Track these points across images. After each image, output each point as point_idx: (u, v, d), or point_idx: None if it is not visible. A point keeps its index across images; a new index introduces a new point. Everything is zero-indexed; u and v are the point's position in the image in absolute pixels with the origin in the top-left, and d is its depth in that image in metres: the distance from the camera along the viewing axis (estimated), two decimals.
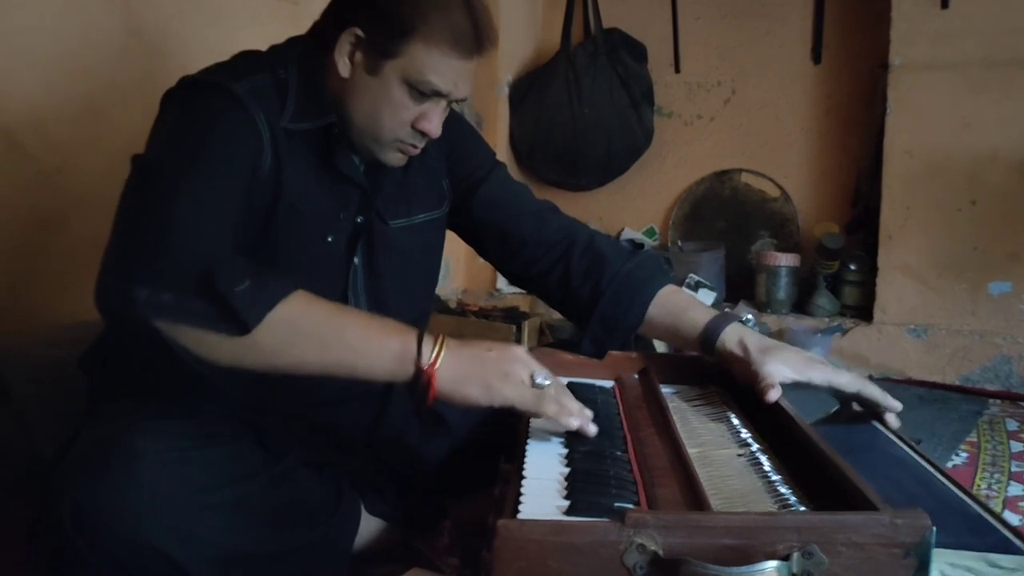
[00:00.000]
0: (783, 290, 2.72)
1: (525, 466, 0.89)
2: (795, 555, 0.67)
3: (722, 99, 3.04)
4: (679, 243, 3.05)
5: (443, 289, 3.16)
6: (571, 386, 1.20)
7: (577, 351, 1.30)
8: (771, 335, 2.63)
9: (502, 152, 3.17)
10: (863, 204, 2.67)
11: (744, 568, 0.66)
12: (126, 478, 0.91)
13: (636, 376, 1.26)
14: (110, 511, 0.90)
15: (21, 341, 1.61)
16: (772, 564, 0.67)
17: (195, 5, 1.89)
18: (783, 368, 1.10)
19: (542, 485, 0.84)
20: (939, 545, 0.69)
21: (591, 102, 3.02)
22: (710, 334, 1.19)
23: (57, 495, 0.92)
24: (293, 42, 1.21)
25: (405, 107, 1.14)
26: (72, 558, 0.92)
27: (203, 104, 1.09)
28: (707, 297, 2.78)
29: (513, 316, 2.98)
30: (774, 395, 1.05)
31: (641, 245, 3.09)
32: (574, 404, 0.99)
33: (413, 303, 1.34)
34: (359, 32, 1.12)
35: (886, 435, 1.11)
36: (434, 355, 0.98)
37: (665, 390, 1.21)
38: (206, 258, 0.94)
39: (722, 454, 0.96)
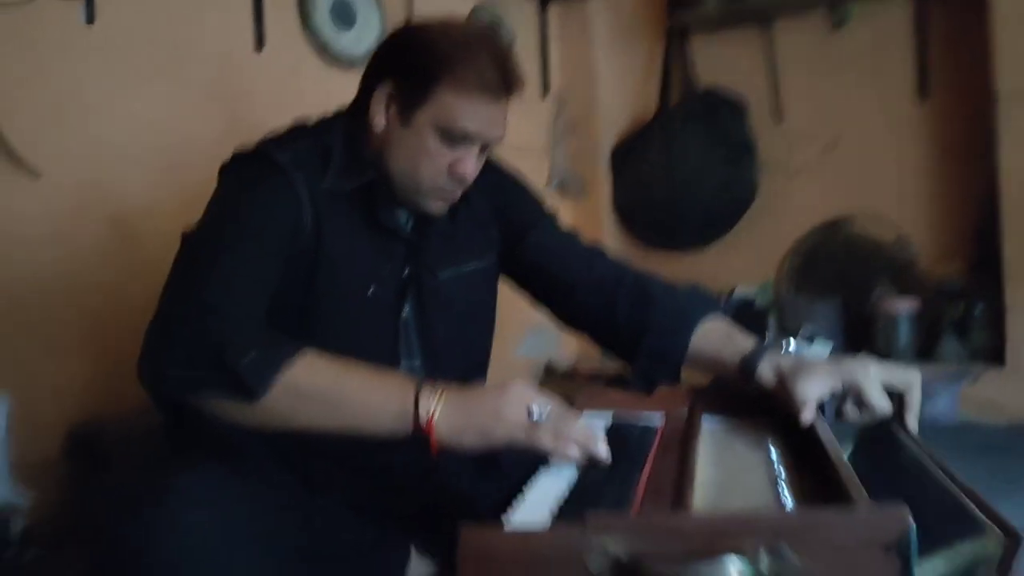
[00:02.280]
0: (904, 337, 2.57)
1: (529, 486, 0.88)
2: (761, 553, 0.63)
3: (828, 146, 2.95)
4: (791, 295, 2.94)
5: (556, 355, 3.17)
6: (615, 424, 1.18)
7: (627, 388, 1.28)
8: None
9: (605, 218, 3.20)
10: (986, 242, 2.51)
11: (700, 566, 0.62)
12: (158, 515, 0.95)
13: (685, 409, 1.23)
14: (145, 548, 0.94)
15: (123, 414, 1.73)
16: (732, 560, 0.63)
17: (294, 99, 2.04)
18: (815, 384, 1.04)
19: (536, 503, 0.83)
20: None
21: (689, 162, 3.02)
22: (749, 364, 1.15)
23: (95, 543, 0.98)
24: (340, 111, 1.29)
25: (440, 154, 1.18)
26: None
27: (246, 175, 1.19)
28: (823, 349, 2.66)
29: (623, 379, 2.94)
30: (808, 416, 1.00)
31: (751, 303, 3.00)
32: (579, 432, 0.97)
33: (467, 354, 1.36)
34: (391, 86, 1.19)
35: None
36: (432, 410, 1.00)
37: (710, 421, 1.17)
38: (226, 336, 1.01)
39: (743, 478, 0.91)
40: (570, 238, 1.41)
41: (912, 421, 1.06)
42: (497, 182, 1.40)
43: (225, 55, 2.15)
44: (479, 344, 1.42)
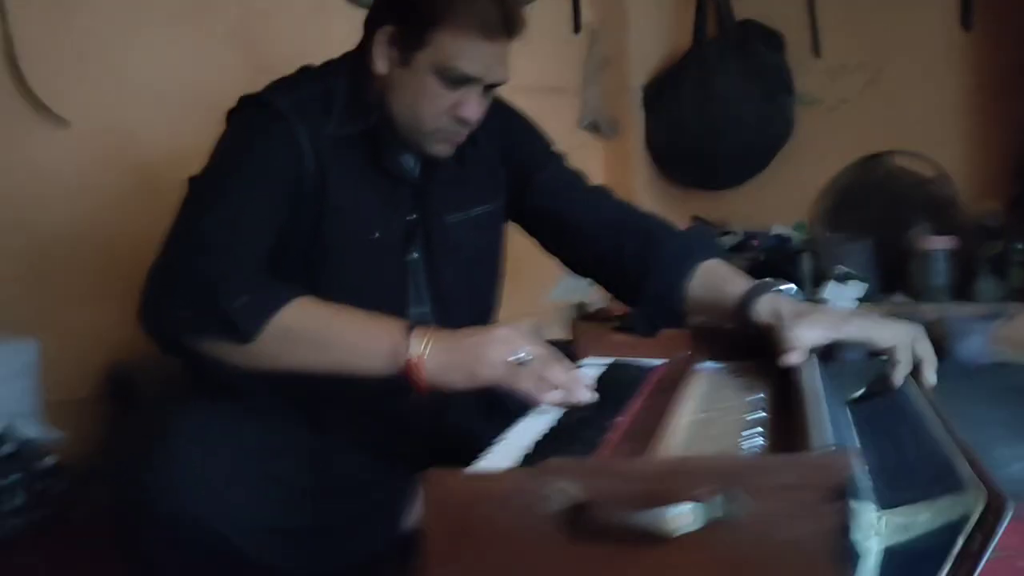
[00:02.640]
0: (940, 276, 2.52)
1: (508, 431, 0.90)
2: (718, 498, 0.64)
3: (867, 79, 2.87)
4: (826, 234, 2.89)
5: (588, 297, 3.18)
6: (615, 366, 1.20)
7: (631, 332, 1.29)
8: (928, 325, 2.44)
9: (637, 158, 3.15)
10: None
11: (653, 512, 0.64)
12: (164, 456, 1.00)
13: (688, 353, 1.23)
14: (154, 488, 0.99)
15: (154, 355, 1.80)
16: (688, 507, 0.64)
17: (319, 40, 2.05)
18: (813, 330, 1.04)
19: (510, 447, 0.85)
20: None
21: (725, 98, 2.94)
22: (745, 305, 1.14)
23: (116, 478, 1.03)
24: (346, 54, 1.30)
25: (440, 96, 1.19)
26: (134, 536, 1.03)
27: (248, 121, 1.21)
28: (856, 289, 2.62)
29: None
30: (793, 358, 1.00)
31: (788, 240, 2.96)
32: (561, 376, 0.98)
33: (475, 298, 1.39)
34: (391, 29, 1.19)
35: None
36: (420, 350, 1.01)
37: (710, 365, 1.18)
38: (220, 277, 1.04)
39: (722, 421, 0.92)
40: (577, 180, 1.42)
41: (930, 373, 1.05)
42: (505, 124, 1.40)
43: None
44: (487, 288, 1.43)
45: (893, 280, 2.68)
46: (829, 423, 0.77)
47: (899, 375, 1.04)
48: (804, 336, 1.02)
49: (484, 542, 0.68)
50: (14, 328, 1.69)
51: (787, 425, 0.82)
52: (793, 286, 1.16)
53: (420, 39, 1.17)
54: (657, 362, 1.21)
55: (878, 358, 1.10)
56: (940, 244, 2.53)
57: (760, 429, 0.84)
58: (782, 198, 3.05)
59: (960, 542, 0.68)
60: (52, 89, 1.81)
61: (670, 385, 1.08)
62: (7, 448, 1.41)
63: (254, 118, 1.20)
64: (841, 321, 1.06)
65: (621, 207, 1.37)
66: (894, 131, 2.81)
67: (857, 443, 0.89)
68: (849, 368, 1.14)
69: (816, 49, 2.94)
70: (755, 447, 0.80)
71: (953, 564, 0.67)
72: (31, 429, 1.44)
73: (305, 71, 1.30)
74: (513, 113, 1.43)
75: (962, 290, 2.53)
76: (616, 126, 3.17)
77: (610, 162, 3.23)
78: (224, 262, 1.07)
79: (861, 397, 1.10)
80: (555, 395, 0.98)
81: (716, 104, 2.96)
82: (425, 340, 1.03)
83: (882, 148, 2.83)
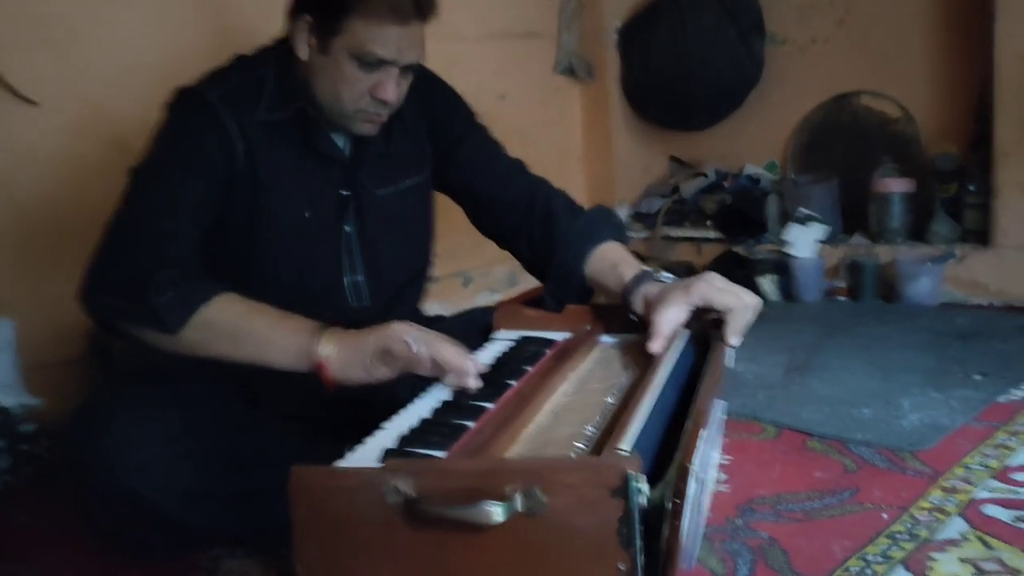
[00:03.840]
0: (896, 218, 2.58)
1: (393, 417, 1.02)
2: (517, 495, 0.76)
3: (836, 19, 2.87)
4: (791, 176, 2.95)
5: None
6: (522, 340, 1.31)
7: (542, 307, 1.39)
8: (881, 267, 2.52)
9: (614, 100, 3.20)
10: (983, 120, 2.46)
11: (467, 507, 0.76)
12: (98, 433, 1.14)
13: (588, 327, 1.34)
14: (90, 459, 1.14)
15: None
16: (494, 504, 0.76)
17: (280, 8, 2.11)
18: (670, 310, 1.13)
19: (389, 435, 0.97)
20: None
21: (698, 39, 2.97)
22: (627, 293, 1.24)
23: (60, 451, 1.18)
24: (276, 41, 1.37)
25: (357, 79, 1.26)
26: (78, 498, 1.18)
27: (179, 112, 1.30)
28: (817, 231, 2.69)
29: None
30: (654, 347, 1.10)
31: (758, 180, 3.02)
32: (454, 360, 1.08)
33: (407, 266, 1.49)
34: (309, 18, 1.27)
35: None
36: (325, 351, 1.12)
37: (607, 339, 1.29)
38: (150, 269, 1.14)
39: (589, 401, 1.03)
40: (494, 154, 1.49)
41: (731, 336, 1.15)
42: (429, 97, 1.47)
43: None
44: (419, 256, 1.53)
45: (855, 222, 2.74)
46: (641, 423, 0.88)
47: (731, 334, 1.14)
48: (664, 319, 1.13)
49: (339, 527, 0.81)
50: (3, 297, 1.83)
51: (619, 417, 0.93)
52: (669, 275, 1.25)
53: (335, 26, 1.24)
54: (561, 336, 1.32)
55: None
56: (897, 187, 2.58)
57: (599, 419, 0.96)
58: (755, 138, 3.10)
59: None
60: (21, 70, 1.90)
61: (563, 359, 1.19)
62: None
63: (186, 109, 1.29)
64: (689, 293, 1.15)
65: (531, 184, 1.44)
66: (862, 71, 2.83)
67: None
68: None
69: None
70: (587, 436, 0.91)
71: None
72: (11, 399, 1.58)
73: (239, 59, 1.37)
74: (437, 86, 1.50)
75: (918, 232, 2.59)
76: (592, 70, 3.21)
77: (587, 105, 3.28)
78: (154, 256, 1.17)
79: None
80: (448, 377, 1.08)
81: (690, 45, 2.99)
82: (331, 341, 1.13)
83: (851, 88, 2.85)
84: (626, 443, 0.83)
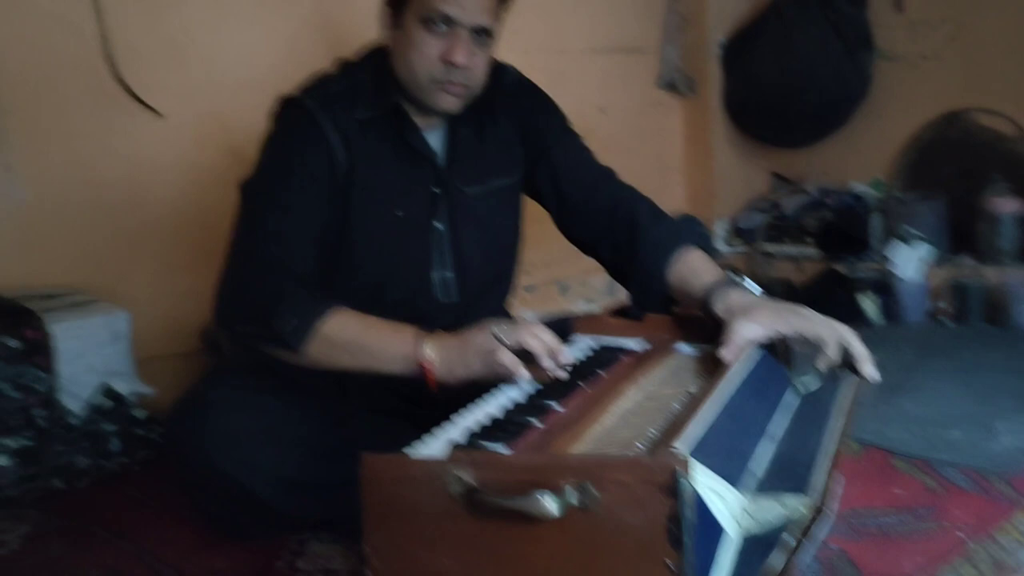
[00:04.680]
0: (1006, 239, 2.48)
1: (467, 409, 1.07)
2: (571, 490, 0.79)
3: (949, 35, 2.79)
4: (897, 194, 2.87)
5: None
6: (599, 347, 1.34)
7: (624, 316, 1.42)
8: (988, 289, 2.43)
9: (715, 116, 3.19)
10: None
11: (523, 498, 0.79)
12: (198, 422, 1.24)
13: (666, 336, 1.35)
14: (189, 447, 1.24)
15: None
16: (549, 496, 0.79)
17: None
18: (751, 326, 1.14)
19: (458, 428, 1.01)
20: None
21: (804, 54, 2.93)
22: (707, 299, 1.25)
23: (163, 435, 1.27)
24: (376, 44, 1.45)
25: (427, 44, 1.31)
26: (180, 480, 1.27)
27: (283, 123, 1.38)
28: (922, 251, 2.61)
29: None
30: (725, 354, 1.11)
31: (861, 198, 2.95)
32: (532, 341, 1.14)
33: (493, 262, 1.53)
34: (387, 1, 1.35)
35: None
36: (430, 353, 1.18)
37: (685, 349, 1.31)
38: (271, 294, 1.23)
39: (656, 406, 1.05)
40: (584, 160, 1.52)
41: (869, 369, 1.16)
42: (524, 101, 1.52)
43: None
44: (506, 256, 1.58)
45: (963, 242, 2.65)
46: (703, 426, 0.90)
47: (822, 365, 1.14)
48: (741, 332, 1.13)
49: (405, 514, 0.87)
50: (125, 293, 1.97)
51: (683, 419, 0.95)
52: (753, 284, 1.26)
53: None
54: (639, 344, 1.35)
55: None
56: (1008, 207, 2.48)
57: (663, 424, 0.98)
58: (860, 155, 3.02)
59: (785, 537, 0.81)
60: (147, 83, 2.05)
61: (637, 366, 1.22)
62: (104, 403, 1.69)
63: (288, 120, 1.37)
64: (778, 317, 1.16)
65: (618, 191, 1.47)
66: (975, 88, 2.73)
67: (761, 437, 1.01)
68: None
69: (898, 3, 2.87)
70: (649, 438, 0.94)
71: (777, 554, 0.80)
72: (125, 386, 1.71)
73: (340, 64, 1.45)
74: (532, 91, 1.54)
75: None
76: (694, 84, 3.20)
77: (688, 120, 3.28)
78: (273, 280, 1.26)
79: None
80: (522, 373, 1.13)
81: (795, 60, 2.96)
82: (433, 345, 1.19)
83: (962, 105, 2.76)
84: (681, 443, 0.85)
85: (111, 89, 2.03)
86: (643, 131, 3.18)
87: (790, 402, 1.23)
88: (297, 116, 1.36)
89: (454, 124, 1.44)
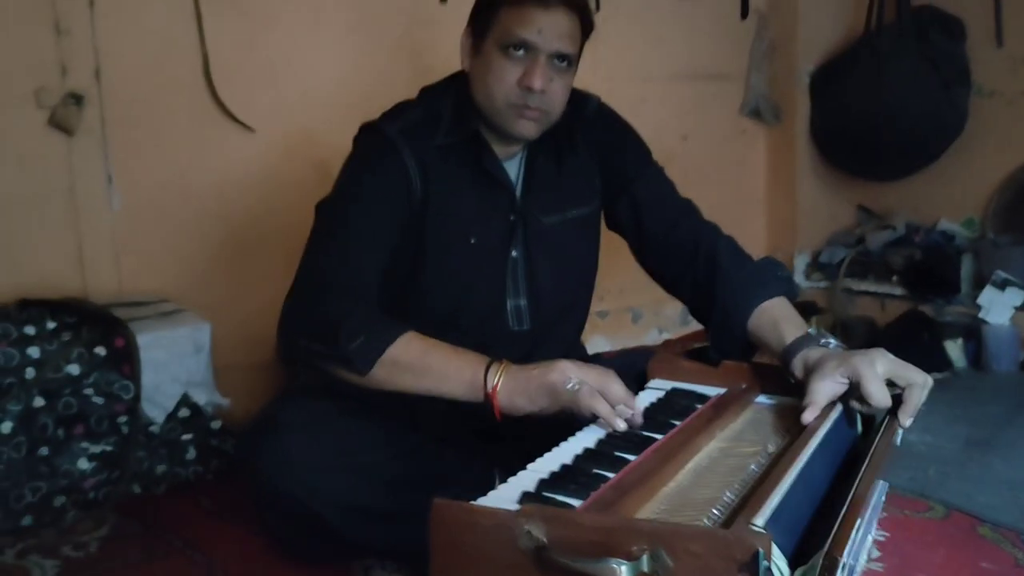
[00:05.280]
0: None
1: (541, 458, 1.06)
2: (644, 557, 0.78)
3: None
4: (991, 236, 2.77)
5: None
6: (673, 392, 1.32)
7: (699, 359, 1.39)
8: None
9: (801, 146, 3.13)
10: None
11: (595, 561, 0.78)
12: (269, 445, 1.25)
13: (744, 385, 1.33)
14: (260, 469, 1.26)
15: None
16: (621, 563, 0.78)
17: None
18: (825, 383, 1.11)
19: (531, 477, 1.01)
20: None
21: (897, 86, 2.84)
22: (787, 356, 1.22)
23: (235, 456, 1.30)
24: (458, 72, 1.45)
25: (505, 70, 1.31)
26: (250, 499, 1.30)
27: (362, 149, 1.40)
28: (1015, 297, 2.51)
29: (802, 312, 2.95)
30: (806, 416, 1.08)
31: (952, 237, 2.86)
32: (601, 407, 1.11)
33: (567, 293, 1.52)
34: (468, 28, 1.36)
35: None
36: (495, 380, 1.17)
37: (763, 400, 1.28)
38: (340, 315, 1.22)
39: (733, 465, 1.03)
40: (666, 194, 1.50)
41: (905, 417, 1.11)
42: (605, 132, 1.50)
43: (412, 9, 2.37)
44: (581, 285, 1.57)
45: None
46: (780, 497, 0.88)
47: (905, 414, 1.12)
48: (819, 390, 1.11)
49: (472, 563, 0.86)
50: (207, 302, 2.03)
51: (759, 487, 0.93)
52: (833, 340, 1.22)
53: (486, 24, 1.32)
54: (715, 391, 1.32)
55: None
56: None
57: (739, 486, 0.96)
58: (953, 192, 2.93)
59: None
60: (241, 100, 2.11)
61: (714, 417, 1.19)
62: (183, 412, 1.73)
63: (368, 147, 1.39)
64: (844, 366, 1.12)
65: (699, 229, 1.44)
66: None
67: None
68: None
69: (999, 38, 2.78)
70: (725, 503, 0.92)
71: None
72: (203, 397, 1.75)
73: (422, 92, 1.46)
74: (614, 121, 1.53)
75: None
76: (780, 113, 3.15)
77: (772, 149, 3.22)
78: (342, 301, 1.25)
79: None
80: (602, 406, 1.11)
81: (887, 92, 2.87)
82: (498, 373, 1.18)
83: None
84: (760, 518, 0.83)
85: (207, 105, 2.09)
86: (725, 160, 3.14)
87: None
88: (376, 142, 1.38)
89: (533, 153, 1.44)
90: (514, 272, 1.45)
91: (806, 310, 2.97)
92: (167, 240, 2.09)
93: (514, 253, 1.44)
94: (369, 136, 1.40)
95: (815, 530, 0.90)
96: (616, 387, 1.15)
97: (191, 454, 1.74)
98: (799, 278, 3.16)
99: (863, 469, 1.00)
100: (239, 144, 2.14)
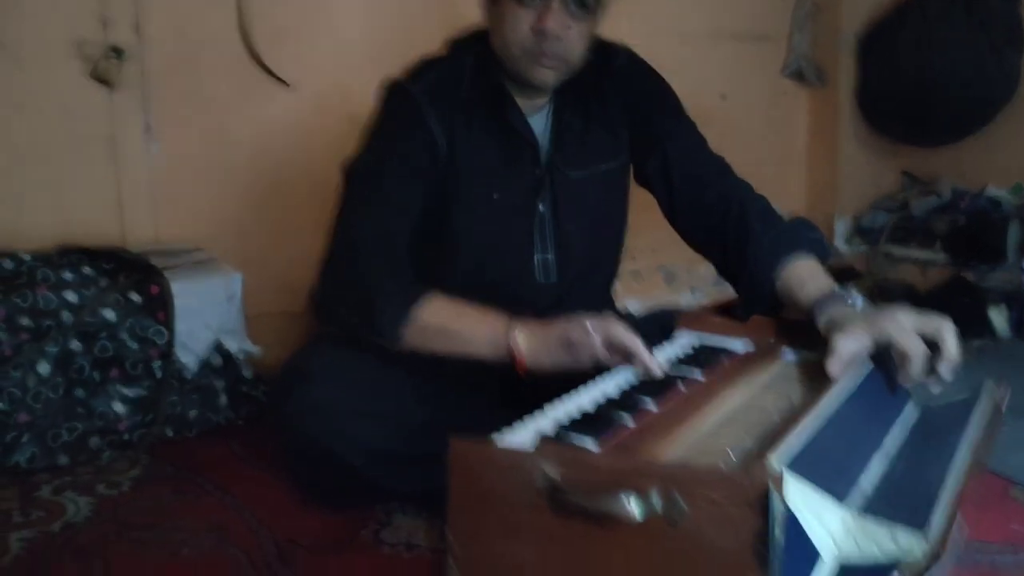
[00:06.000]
0: None
1: (559, 399, 1.06)
2: (656, 497, 0.77)
3: None
4: None
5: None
6: (702, 347, 1.31)
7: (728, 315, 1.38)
8: None
9: (845, 109, 3.06)
10: None
11: (608, 498, 0.78)
12: (298, 390, 1.27)
13: (772, 340, 1.31)
14: (289, 414, 1.28)
15: None
16: (634, 499, 0.78)
17: None
18: (851, 340, 1.10)
19: (548, 419, 1.01)
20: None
21: (946, 49, 2.77)
22: (814, 313, 1.21)
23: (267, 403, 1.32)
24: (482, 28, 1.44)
25: (518, 17, 1.29)
26: (279, 444, 1.32)
27: (387, 109, 1.40)
28: None
29: (841, 276, 2.90)
30: (830, 367, 1.07)
31: (999, 204, 2.78)
32: (628, 341, 1.12)
33: (596, 248, 1.52)
34: None
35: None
36: (518, 341, 1.19)
37: (790, 355, 1.26)
38: (371, 285, 1.26)
39: (755, 416, 1.02)
40: (697, 151, 1.47)
41: (948, 370, 1.09)
42: (636, 85, 1.48)
43: None
44: (608, 239, 1.56)
45: None
46: (801, 442, 0.87)
47: (945, 366, 1.09)
48: (843, 344, 1.09)
49: (489, 503, 0.87)
50: (242, 251, 2.06)
51: (782, 430, 0.92)
52: (860, 299, 1.20)
53: None
54: (743, 345, 1.31)
55: None
56: None
57: (760, 435, 0.95)
58: (1001, 159, 2.85)
59: None
60: (278, 54, 2.12)
61: (739, 370, 1.18)
62: (216, 359, 1.76)
63: (392, 107, 1.39)
64: (872, 327, 1.10)
65: (730, 188, 1.42)
66: None
67: (876, 452, 0.97)
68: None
69: None
70: (744, 450, 0.91)
71: None
72: (234, 344, 1.78)
73: (448, 44, 1.46)
74: (645, 73, 1.50)
75: None
76: (823, 75, 3.08)
77: (814, 111, 3.16)
78: (376, 274, 1.28)
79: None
80: (616, 359, 1.13)
81: (936, 55, 2.79)
82: (522, 332, 1.20)
83: None
84: (776, 459, 0.82)
85: (243, 59, 2.11)
86: (765, 121, 3.09)
87: (910, 416, 1.17)
88: (399, 102, 1.38)
89: (559, 107, 1.43)
90: (541, 227, 1.44)
91: (845, 275, 2.92)
92: (203, 191, 2.11)
93: (541, 208, 1.43)
94: (394, 97, 1.40)
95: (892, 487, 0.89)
96: (627, 331, 1.14)
97: (223, 400, 1.76)
98: (839, 242, 3.11)
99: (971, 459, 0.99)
100: (275, 97, 2.16)
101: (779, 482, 0.73)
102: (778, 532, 0.73)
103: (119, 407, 1.65)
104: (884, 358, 1.11)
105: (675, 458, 0.91)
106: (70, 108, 1.93)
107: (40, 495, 1.49)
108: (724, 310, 1.42)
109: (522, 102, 1.40)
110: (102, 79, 1.95)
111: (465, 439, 0.90)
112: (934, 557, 0.77)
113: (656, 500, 0.77)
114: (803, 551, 0.80)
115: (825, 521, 0.83)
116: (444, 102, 1.36)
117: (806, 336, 1.28)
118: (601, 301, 1.58)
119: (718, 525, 0.75)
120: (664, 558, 0.78)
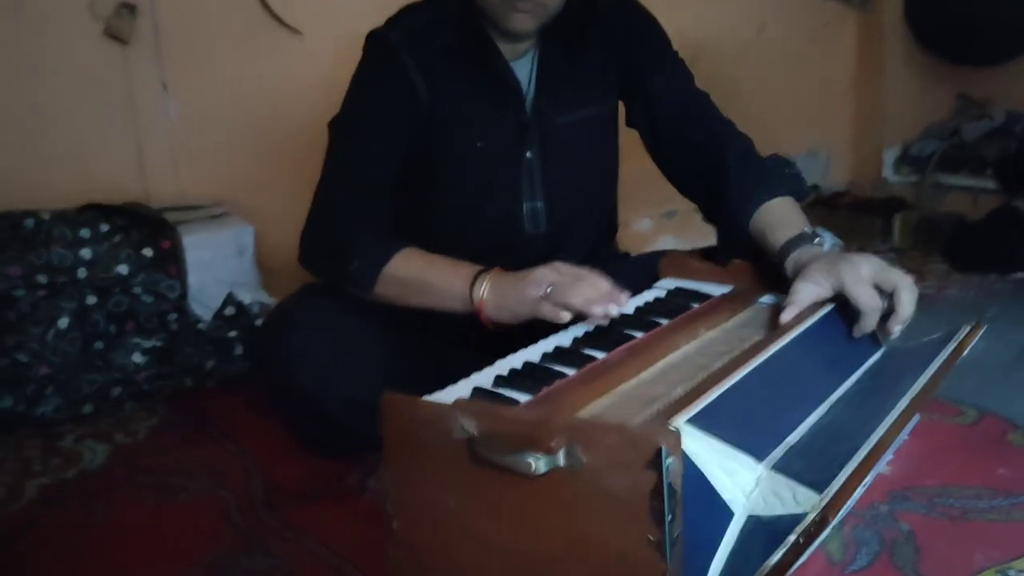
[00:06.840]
0: None
1: (510, 355, 1.07)
2: (561, 451, 0.78)
3: None
4: None
5: (825, 180, 3.08)
6: (674, 292, 1.29)
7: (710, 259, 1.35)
8: None
9: (893, 30, 2.91)
10: None
11: (514, 454, 0.79)
12: (282, 338, 1.31)
13: (748, 285, 1.28)
14: (273, 361, 1.32)
15: None
16: (537, 456, 0.78)
17: None
18: (808, 285, 1.07)
19: (490, 373, 1.02)
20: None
21: None
22: (782, 257, 1.18)
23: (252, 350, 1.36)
24: None
25: None
26: (268, 393, 1.37)
27: (367, 61, 1.39)
28: None
29: (888, 208, 2.81)
30: (785, 315, 1.05)
31: None
32: (574, 299, 1.09)
33: (585, 192, 1.49)
34: None
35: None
36: (481, 294, 1.19)
37: (767, 300, 1.23)
38: (346, 237, 1.28)
39: (699, 363, 1.01)
40: (681, 90, 1.44)
41: (895, 324, 1.06)
42: (623, 26, 1.44)
43: None
44: (599, 185, 1.53)
45: None
46: (725, 388, 0.86)
47: (895, 320, 1.07)
48: (801, 289, 1.07)
49: (417, 454, 0.89)
50: (259, 206, 2.10)
51: (704, 384, 0.91)
52: (828, 238, 1.17)
53: None
54: (721, 290, 1.29)
55: None
56: None
57: (694, 383, 0.94)
58: None
59: (793, 537, 0.76)
60: (289, 4, 2.13)
61: (705, 316, 1.17)
62: (229, 311, 1.82)
63: (372, 58, 1.38)
64: (828, 275, 1.08)
65: (711, 128, 1.38)
66: None
67: (821, 404, 0.95)
68: None
69: None
70: (672, 399, 0.90)
71: (782, 553, 0.76)
72: (247, 296, 1.83)
73: None
74: (634, 14, 1.46)
75: None
76: None
77: (863, 36, 3.02)
78: (351, 225, 1.31)
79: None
80: (563, 316, 1.11)
81: None
82: (483, 285, 1.20)
83: None
84: (683, 416, 0.81)
85: (256, 10, 2.12)
86: (808, 46, 2.95)
87: (872, 363, 1.15)
88: (380, 53, 1.36)
89: (544, 51, 1.40)
90: (529, 174, 1.42)
91: (892, 206, 2.82)
92: (222, 146, 2.15)
93: (528, 155, 1.41)
94: (373, 46, 1.39)
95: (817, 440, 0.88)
96: (600, 283, 1.12)
97: (238, 350, 1.82)
98: (888, 172, 2.99)
99: (894, 412, 0.95)
100: (289, 50, 2.17)
101: (675, 441, 0.73)
102: (674, 488, 0.73)
103: (137, 358, 1.73)
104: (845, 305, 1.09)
105: (600, 409, 0.92)
106: (87, 69, 1.98)
107: (63, 444, 1.58)
108: (707, 255, 1.40)
109: (505, 48, 1.38)
110: (116, 36, 1.99)
111: (396, 393, 0.91)
112: (822, 521, 0.75)
113: (561, 455, 0.78)
114: (708, 506, 0.80)
115: (736, 476, 0.82)
116: (424, 47, 1.34)
117: (786, 279, 1.25)
118: (597, 248, 1.57)
119: (615, 477, 0.76)
120: (569, 507, 0.79)
